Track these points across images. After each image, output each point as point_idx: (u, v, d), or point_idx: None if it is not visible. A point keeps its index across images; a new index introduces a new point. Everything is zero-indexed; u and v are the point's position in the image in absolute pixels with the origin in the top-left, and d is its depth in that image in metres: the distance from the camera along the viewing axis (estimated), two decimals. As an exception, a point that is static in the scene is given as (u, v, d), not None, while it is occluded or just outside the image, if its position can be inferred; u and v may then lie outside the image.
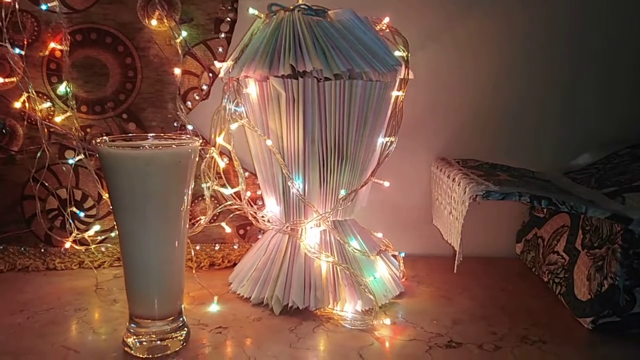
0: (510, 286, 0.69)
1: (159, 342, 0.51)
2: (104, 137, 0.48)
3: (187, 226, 0.52)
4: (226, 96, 0.61)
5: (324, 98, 0.58)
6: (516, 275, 0.73)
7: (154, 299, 0.51)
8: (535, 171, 0.76)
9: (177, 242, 0.51)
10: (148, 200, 0.48)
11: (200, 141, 0.51)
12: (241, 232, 0.76)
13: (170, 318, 0.52)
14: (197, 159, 0.50)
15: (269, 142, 0.59)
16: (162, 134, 0.52)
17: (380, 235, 0.72)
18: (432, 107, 0.79)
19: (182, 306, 0.54)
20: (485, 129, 0.79)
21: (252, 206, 0.65)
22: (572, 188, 0.68)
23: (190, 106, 0.74)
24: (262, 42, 0.59)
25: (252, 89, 0.60)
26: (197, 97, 0.74)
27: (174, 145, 0.49)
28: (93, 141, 0.49)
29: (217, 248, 0.75)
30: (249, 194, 0.70)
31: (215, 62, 0.68)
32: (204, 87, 0.74)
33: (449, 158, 0.77)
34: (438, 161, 0.76)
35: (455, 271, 0.56)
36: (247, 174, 0.74)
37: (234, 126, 0.61)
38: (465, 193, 0.55)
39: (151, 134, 0.52)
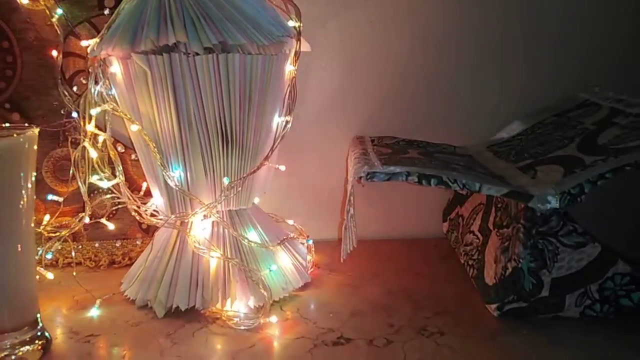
0: (427, 270, 0.65)
1: (13, 357, 0.46)
2: None
3: (33, 225, 0.46)
4: (90, 78, 0.55)
5: (196, 75, 0.52)
6: (437, 258, 0.68)
7: (2, 308, 0.46)
8: (457, 146, 0.71)
9: (20, 244, 0.45)
10: (-26, 200, 0.42)
11: (36, 130, 0.45)
12: (144, 226, 0.71)
13: (24, 328, 0.47)
14: (34, 148, 0.44)
15: (134, 128, 0.53)
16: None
17: (291, 222, 0.67)
18: (347, 82, 0.73)
19: (38, 314, 0.48)
20: (403, 104, 0.74)
21: (134, 199, 0.59)
22: (490, 162, 0.63)
23: (77, 91, 0.68)
24: (126, 16, 0.53)
25: (116, 68, 0.54)
26: (84, 81, 0.68)
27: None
28: None
29: (117, 245, 0.70)
30: (145, 186, 0.64)
31: (82, 42, 0.61)
32: (91, 70, 0.67)
33: (365, 137, 0.72)
34: (354, 140, 0.71)
35: (342, 260, 0.51)
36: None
37: (94, 111, 0.54)
38: (351, 175, 0.50)
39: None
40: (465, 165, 0.57)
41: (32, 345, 0.47)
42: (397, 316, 0.53)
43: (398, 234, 0.76)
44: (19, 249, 0.45)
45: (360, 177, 0.49)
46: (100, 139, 0.58)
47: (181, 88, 0.52)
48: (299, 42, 0.58)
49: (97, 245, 0.69)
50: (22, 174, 0.44)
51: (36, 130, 0.45)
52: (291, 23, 0.59)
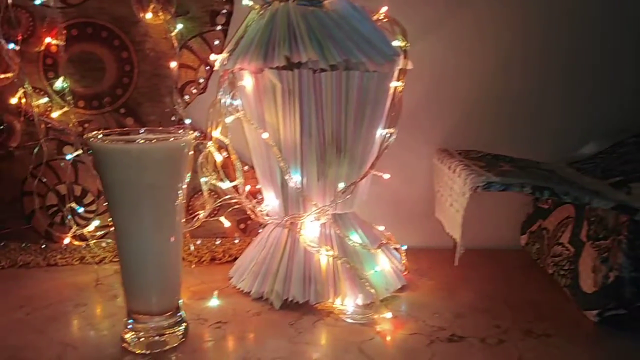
0: (514, 279, 0.68)
1: (157, 338, 0.51)
2: (95, 132, 0.48)
3: (183, 220, 0.51)
4: (221, 89, 0.60)
5: (320, 90, 0.57)
6: (520, 268, 0.72)
7: (151, 294, 0.51)
8: (540, 162, 0.75)
9: (172, 237, 0.50)
10: (141, 195, 0.47)
11: (195, 135, 0.50)
12: (242, 226, 0.76)
13: (169, 313, 0.52)
14: (191, 152, 0.50)
15: (265, 135, 0.58)
16: (156, 128, 0.52)
17: (382, 228, 0.71)
18: (432, 97, 0.78)
19: (180, 301, 0.53)
20: (486, 119, 0.78)
21: (250, 200, 0.64)
22: (577, 178, 0.67)
23: (187, 100, 0.74)
24: (256, 34, 0.58)
25: (247, 82, 0.59)
26: (194, 91, 0.74)
27: (165, 139, 0.49)
28: (85, 136, 0.48)
29: (217, 242, 0.75)
30: (248, 187, 0.69)
31: (212, 55, 0.67)
32: (201, 81, 0.73)
33: (450, 149, 0.76)
34: (439, 153, 0.75)
35: (456, 264, 0.55)
36: (246, 167, 0.73)
37: (229, 119, 0.60)
38: (465, 184, 0.54)
39: (144, 128, 0.51)
40: (564, 179, 0.61)
41: (175, 329, 0.52)
42: (500, 319, 0.57)
43: (476, 245, 0.79)
44: (172, 241, 0.50)
45: (477, 187, 0.53)
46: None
47: (306, 101, 0.57)
48: (406, 60, 0.63)
49: (198, 242, 0.75)
50: (180, 175, 0.49)
51: (192, 135, 0.50)
52: (396, 42, 0.64)
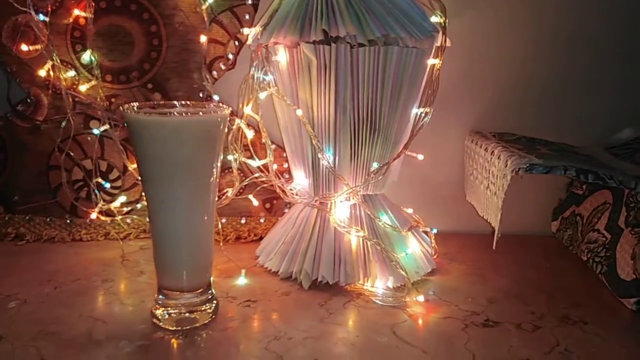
0: (546, 264, 0.67)
1: (187, 315, 0.50)
2: (132, 104, 0.46)
3: (216, 198, 0.50)
4: (254, 64, 0.59)
5: (357, 65, 0.55)
6: (552, 254, 0.70)
7: (182, 270, 0.50)
8: (576, 146, 0.73)
9: (206, 214, 0.49)
10: (176, 170, 0.46)
11: (229, 110, 0.49)
12: (267, 205, 0.75)
13: (199, 290, 0.51)
14: (226, 129, 0.48)
15: (299, 112, 0.57)
16: (189, 103, 0.50)
17: (410, 211, 0.70)
18: (466, 78, 0.75)
19: (211, 278, 0.52)
20: (521, 102, 0.76)
21: (279, 179, 0.63)
22: (614, 163, 0.65)
23: (216, 76, 0.72)
24: (292, 7, 0.57)
25: (281, 56, 0.57)
26: (223, 67, 0.72)
27: (201, 113, 0.47)
28: (120, 108, 0.47)
29: (243, 221, 0.74)
30: (275, 166, 0.68)
31: (243, 29, 0.65)
32: (230, 56, 0.72)
33: (484, 131, 0.74)
34: (473, 134, 0.73)
35: (494, 247, 0.54)
36: (273, 146, 0.72)
37: (262, 95, 0.58)
38: (506, 166, 0.53)
39: (179, 102, 0.50)
40: (601, 163, 0.59)
41: (206, 306, 0.51)
42: (535, 305, 0.55)
43: (505, 230, 0.78)
44: (205, 219, 0.49)
45: (519, 169, 0.51)
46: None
47: (342, 77, 0.56)
48: (444, 37, 0.61)
49: (223, 221, 0.74)
50: (215, 151, 0.48)
51: (228, 111, 0.48)
52: (434, 19, 0.62)
